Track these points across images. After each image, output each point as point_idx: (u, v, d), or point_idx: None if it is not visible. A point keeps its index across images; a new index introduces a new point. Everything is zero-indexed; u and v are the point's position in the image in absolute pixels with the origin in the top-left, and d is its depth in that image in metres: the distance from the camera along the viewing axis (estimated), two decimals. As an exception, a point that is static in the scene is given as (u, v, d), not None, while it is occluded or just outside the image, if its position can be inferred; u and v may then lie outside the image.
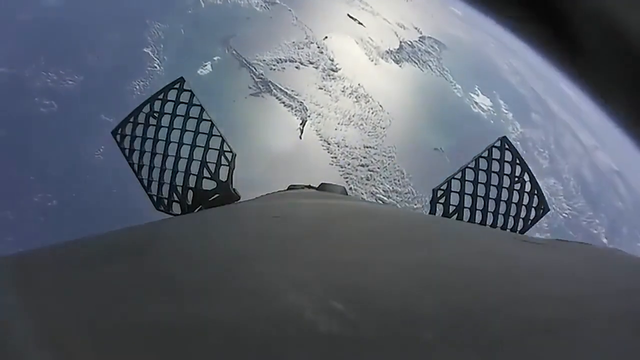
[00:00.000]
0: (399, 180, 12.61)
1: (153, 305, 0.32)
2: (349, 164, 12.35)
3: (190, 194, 1.43)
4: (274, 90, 12.97)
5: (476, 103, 14.66)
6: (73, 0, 14.90)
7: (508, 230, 1.45)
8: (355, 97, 13.34)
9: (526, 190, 1.47)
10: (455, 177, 1.46)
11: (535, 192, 1.48)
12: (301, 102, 12.91)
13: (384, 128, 13.11)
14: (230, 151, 1.44)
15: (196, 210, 1.43)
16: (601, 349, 0.28)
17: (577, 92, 16.24)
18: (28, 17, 14.69)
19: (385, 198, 12.20)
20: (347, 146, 12.60)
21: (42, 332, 0.28)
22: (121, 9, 14.80)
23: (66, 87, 13.54)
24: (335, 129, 12.83)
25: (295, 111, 12.77)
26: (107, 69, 13.69)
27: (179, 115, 1.47)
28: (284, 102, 12.89)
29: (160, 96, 1.52)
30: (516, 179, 1.46)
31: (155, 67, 13.43)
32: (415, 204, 12.37)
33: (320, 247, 0.45)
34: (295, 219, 0.65)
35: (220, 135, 1.45)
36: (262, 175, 12.23)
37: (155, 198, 1.46)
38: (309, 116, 12.80)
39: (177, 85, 1.51)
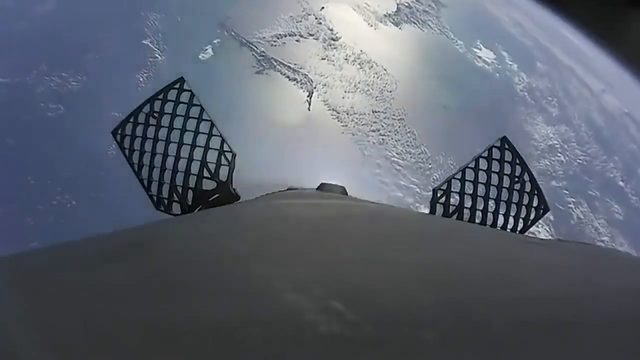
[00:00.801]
0: (411, 142, 12.61)
1: (153, 305, 0.32)
2: (360, 131, 12.36)
3: (190, 194, 1.43)
4: (277, 66, 12.94)
5: (480, 57, 14.54)
6: (66, 3, 14.82)
7: (508, 230, 1.45)
8: (359, 64, 13.28)
9: (526, 190, 1.48)
10: (455, 177, 1.47)
11: (535, 192, 1.49)
12: (305, 74, 12.87)
13: (390, 91, 13.06)
14: (230, 151, 1.44)
15: (196, 210, 1.43)
16: (601, 349, 0.29)
17: (580, 37, 16.05)
18: (24, 26, 14.68)
19: (400, 160, 12.24)
20: (356, 113, 12.59)
21: (42, 333, 0.28)
22: (115, 4, 14.74)
23: (71, 88, 13.58)
24: (343, 97, 12.80)
25: (301, 84, 12.75)
26: (109, 66, 13.70)
27: (179, 115, 1.49)
28: (288, 77, 12.87)
29: (160, 96, 1.54)
30: (516, 179, 1.47)
31: (157, 57, 13.43)
32: (430, 164, 12.40)
33: (320, 247, 0.46)
34: (295, 219, 0.64)
35: (220, 135, 1.46)
36: (275, 150, 12.30)
37: (155, 198, 1.47)
38: (315, 87, 12.78)
39: (177, 85, 1.54)
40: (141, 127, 1.50)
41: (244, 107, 12.20)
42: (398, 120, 12.71)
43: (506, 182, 1.47)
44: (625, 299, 0.35)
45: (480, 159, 1.49)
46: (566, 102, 15.11)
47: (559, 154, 14.29)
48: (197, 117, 1.50)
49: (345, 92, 12.81)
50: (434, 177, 12.35)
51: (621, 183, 15.63)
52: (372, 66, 13.20)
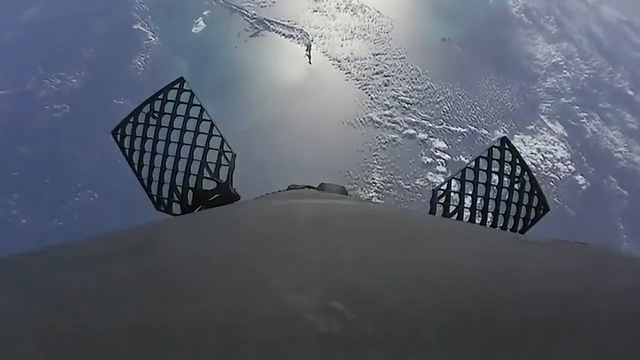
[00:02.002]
0: (416, 78, 12.58)
1: (152, 305, 0.32)
2: (364, 75, 12.35)
3: (190, 194, 1.42)
4: (271, 26, 12.90)
5: (471, -15, 14.37)
6: (50, 4, 14.80)
7: (508, 230, 1.44)
8: (352, 10, 13.19)
9: (526, 190, 1.45)
10: (455, 177, 1.45)
11: (535, 192, 1.46)
12: (300, 29, 12.83)
13: (387, 32, 12.98)
14: (230, 151, 1.43)
15: (196, 210, 1.43)
16: (601, 349, 0.29)
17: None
18: (14, 35, 14.72)
19: (408, 99, 12.24)
20: (357, 59, 12.56)
21: (41, 333, 0.29)
22: (100, -3, 14.70)
23: (71, 86, 13.66)
24: (341, 46, 12.77)
25: (298, 39, 12.72)
26: (105, 57, 13.72)
27: (179, 115, 1.46)
28: (284, 34, 12.83)
29: (160, 96, 1.50)
30: (516, 179, 1.46)
31: (151, 39, 13.40)
32: (438, 97, 12.39)
33: (320, 247, 0.46)
34: (295, 219, 0.64)
35: (220, 135, 1.44)
36: (283, 109, 12.35)
37: (155, 198, 1.45)
38: (312, 40, 12.75)
39: (177, 85, 1.51)
40: (141, 127, 1.48)
41: (246, 71, 12.22)
42: (400, 59, 12.66)
43: (506, 182, 1.46)
44: (625, 299, 0.36)
45: (480, 159, 1.48)
46: (564, 19, 14.91)
47: (564, 71, 14.18)
48: (197, 117, 1.47)
49: (342, 40, 12.76)
50: (444, 110, 12.36)
51: (630, 92, 15.49)
52: (364, 10, 13.11)
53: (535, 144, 13.48)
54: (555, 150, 13.76)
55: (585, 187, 13.83)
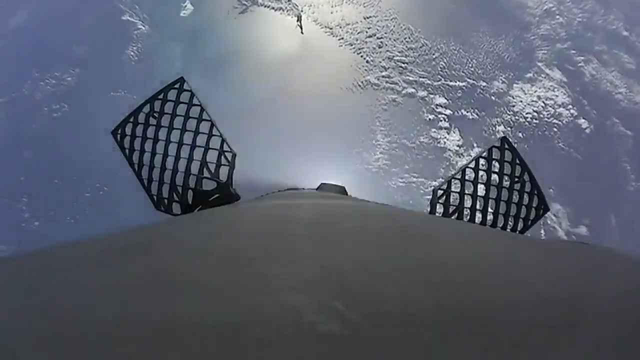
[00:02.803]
0: (409, 37, 12.51)
1: (152, 305, 0.32)
2: (357, 40, 12.29)
3: (190, 194, 1.42)
4: (260, 0, 12.82)
5: (455, -61, 14.18)
6: (36, 8, 14.73)
7: (508, 230, 1.43)
8: (338, -25, 13.07)
9: (526, 190, 1.45)
10: (455, 177, 1.43)
11: (535, 192, 1.45)
12: (289, 0, 12.75)
13: (376, -6, 12.88)
14: (230, 151, 1.41)
15: (196, 210, 1.41)
16: (601, 349, 0.29)
17: None
18: (2, 42, 14.70)
19: (403, 58, 12.19)
20: (348, 24, 12.49)
21: (42, 333, 0.28)
22: (84, -7, 14.61)
23: (67, 84, 13.68)
24: (332, 13, 12.69)
25: (287, 11, 12.65)
26: (97, 51, 13.72)
27: (179, 115, 1.46)
28: (273, 7, 12.76)
29: (160, 96, 1.49)
30: (516, 179, 1.45)
31: (141, 28, 13.38)
32: (434, 54, 12.34)
33: (320, 247, 0.46)
34: (295, 219, 0.64)
35: (220, 135, 1.43)
36: (281, 81, 12.34)
37: (155, 198, 1.46)
38: (301, 11, 12.67)
39: (177, 85, 1.49)
40: (141, 127, 1.49)
41: (239, 48, 12.19)
42: (391, 20, 12.59)
43: (506, 182, 1.46)
44: (624, 300, 0.36)
45: (480, 159, 1.48)
46: (552, -36, 14.75)
47: (557, 16, 14.07)
48: (197, 117, 1.49)
49: (332, 7, 12.68)
50: (441, 66, 12.32)
51: (626, 33, 15.38)
52: (351, -25, 13.01)
53: (535, 91, 13.45)
54: (556, 96, 13.72)
55: (588, 131, 13.82)
